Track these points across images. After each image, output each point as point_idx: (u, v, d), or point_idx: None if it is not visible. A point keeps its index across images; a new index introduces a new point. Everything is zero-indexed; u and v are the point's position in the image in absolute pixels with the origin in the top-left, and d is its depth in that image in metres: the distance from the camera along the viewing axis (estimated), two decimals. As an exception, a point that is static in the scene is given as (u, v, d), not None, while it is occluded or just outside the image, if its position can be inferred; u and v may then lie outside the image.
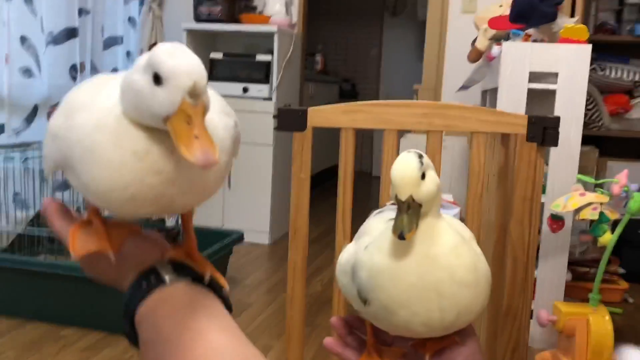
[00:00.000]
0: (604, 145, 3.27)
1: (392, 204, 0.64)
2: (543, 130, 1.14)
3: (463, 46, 2.85)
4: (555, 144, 1.15)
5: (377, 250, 0.55)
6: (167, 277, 0.49)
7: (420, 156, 0.53)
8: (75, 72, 2.68)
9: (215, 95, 0.48)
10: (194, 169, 0.42)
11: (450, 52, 3.06)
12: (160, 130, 0.42)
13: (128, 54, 3.18)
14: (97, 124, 0.43)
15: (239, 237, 2.27)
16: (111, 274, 0.52)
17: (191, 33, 3.01)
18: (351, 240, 0.64)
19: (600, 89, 3.09)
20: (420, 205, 0.52)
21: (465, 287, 0.54)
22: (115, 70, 3.08)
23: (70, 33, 2.64)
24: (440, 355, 0.60)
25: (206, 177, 0.45)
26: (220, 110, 0.48)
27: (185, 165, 0.43)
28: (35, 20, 2.46)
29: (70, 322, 1.90)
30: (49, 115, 2.58)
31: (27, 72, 2.47)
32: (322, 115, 1.18)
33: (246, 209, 2.92)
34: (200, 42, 3.12)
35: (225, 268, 2.30)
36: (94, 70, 2.85)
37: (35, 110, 2.51)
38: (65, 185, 2.46)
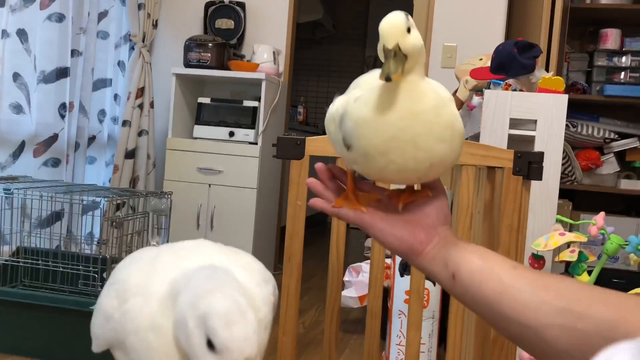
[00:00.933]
0: (577, 199, 3.39)
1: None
2: (528, 164, 1.21)
3: (443, 99, 2.98)
4: (540, 177, 1.22)
5: (364, 103, 0.59)
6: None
7: (407, 14, 0.58)
8: (64, 110, 2.71)
9: (255, 263, 0.53)
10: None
11: (430, 104, 3.18)
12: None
13: (115, 96, 3.23)
14: (152, 325, 0.48)
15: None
16: None
17: (180, 77, 3.09)
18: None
19: (572, 145, 3.22)
20: (405, 56, 0.56)
21: (440, 142, 0.58)
22: (103, 111, 3.12)
23: (62, 73, 2.69)
24: (412, 206, 0.66)
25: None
26: (261, 279, 0.54)
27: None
28: (28, 58, 2.50)
29: (48, 356, 1.85)
30: (34, 152, 2.60)
31: (17, 108, 2.49)
32: (319, 144, 1.23)
33: (228, 251, 2.92)
34: (188, 87, 3.19)
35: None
36: (82, 109, 2.89)
37: (22, 146, 2.52)
38: (46, 223, 2.45)
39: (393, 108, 0.57)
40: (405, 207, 0.66)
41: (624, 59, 3.28)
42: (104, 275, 1.96)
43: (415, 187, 0.69)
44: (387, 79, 0.55)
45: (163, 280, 0.49)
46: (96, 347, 0.54)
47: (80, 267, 1.98)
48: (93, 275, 1.94)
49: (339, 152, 0.65)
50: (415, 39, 0.57)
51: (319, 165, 0.70)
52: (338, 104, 0.65)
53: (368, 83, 0.61)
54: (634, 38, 3.30)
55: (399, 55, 0.55)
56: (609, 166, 3.33)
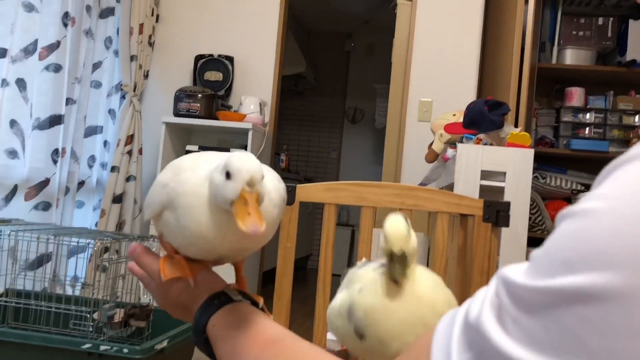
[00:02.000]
0: (547, 247, 3.53)
1: (365, 263, 0.80)
2: (497, 212, 1.35)
3: (418, 149, 3.14)
4: (507, 224, 1.35)
5: (370, 293, 0.68)
6: (235, 297, 0.64)
7: (406, 218, 0.69)
8: (56, 156, 2.80)
9: (270, 170, 0.67)
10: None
11: (406, 154, 3.35)
12: None
13: (105, 143, 3.33)
14: (196, 189, 0.62)
15: (208, 318, 2.34)
16: (185, 298, 0.67)
17: (169, 126, 3.21)
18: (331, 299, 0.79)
19: (542, 196, 3.40)
20: (407, 258, 0.67)
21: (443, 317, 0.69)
22: (93, 157, 3.22)
23: (56, 120, 2.80)
24: None
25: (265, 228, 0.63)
26: (274, 177, 0.67)
27: None
28: (26, 106, 2.61)
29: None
30: (26, 195, 2.67)
31: (12, 153, 2.58)
32: (308, 191, 1.35)
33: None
34: (176, 135, 3.31)
35: (193, 347, 2.34)
36: (73, 155, 2.98)
37: (14, 189, 2.60)
38: (33, 265, 2.51)
39: (398, 293, 0.66)
40: None
41: (587, 115, 3.51)
42: (94, 316, 2.03)
43: None
44: (395, 281, 0.66)
45: (206, 167, 0.62)
46: (149, 214, 0.66)
47: (72, 307, 2.04)
48: (85, 315, 2.00)
49: (349, 346, 0.72)
50: (414, 240, 0.68)
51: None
52: (340, 300, 0.73)
53: (366, 277, 0.71)
54: (596, 96, 3.54)
55: (403, 258, 0.66)
56: (577, 216, 3.50)
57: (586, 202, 0.37)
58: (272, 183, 0.65)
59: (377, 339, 0.67)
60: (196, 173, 0.62)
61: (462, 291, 1.39)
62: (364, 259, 0.83)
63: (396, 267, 0.66)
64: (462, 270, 1.44)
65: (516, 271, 0.38)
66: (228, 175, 0.58)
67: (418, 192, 1.34)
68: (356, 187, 1.34)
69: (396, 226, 0.67)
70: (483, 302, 0.39)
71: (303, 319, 3.34)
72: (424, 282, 0.69)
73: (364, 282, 0.70)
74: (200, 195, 0.61)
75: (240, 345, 0.58)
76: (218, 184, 0.59)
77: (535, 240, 3.25)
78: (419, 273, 0.70)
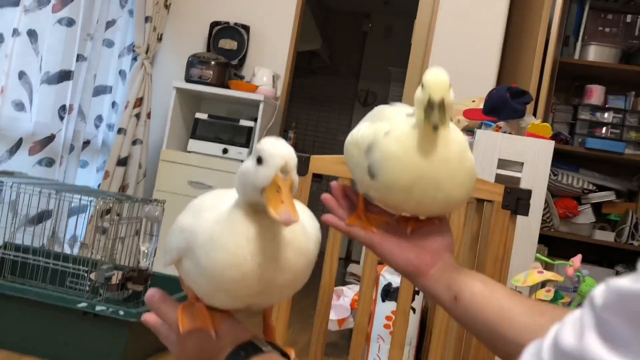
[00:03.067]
0: (552, 245, 3.49)
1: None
2: (517, 200, 1.29)
3: (433, 136, 3.08)
4: (526, 213, 1.30)
5: (396, 140, 0.63)
6: (264, 348, 0.59)
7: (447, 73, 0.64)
8: (63, 112, 2.75)
9: (302, 206, 0.61)
10: (289, 250, 0.55)
11: (419, 141, 3.28)
12: (265, 219, 0.54)
13: (114, 104, 3.28)
14: (218, 218, 0.56)
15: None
16: (208, 349, 0.61)
17: (179, 91, 3.16)
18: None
19: (552, 193, 3.35)
20: (445, 108, 0.61)
21: (460, 187, 0.65)
22: (100, 117, 3.17)
23: (65, 75, 2.74)
24: (419, 231, 0.71)
25: (298, 259, 0.57)
26: (309, 217, 0.62)
27: (283, 247, 0.55)
28: (35, 58, 2.55)
29: (31, 351, 1.86)
30: (30, 150, 2.62)
31: (19, 105, 2.53)
32: (322, 163, 1.30)
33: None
34: (186, 101, 3.26)
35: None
36: (81, 113, 2.93)
37: (19, 143, 2.55)
38: (33, 220, 2.47)
39: (424, 150, 0.63)
40: (413, 232, 0.71)
41: (606, 114, 3.44)
42: (92, 276, 1.99)
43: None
44: (435, 127, 0.61)
45: (230, 200, 0.58)
46: (168, 261, 0.61)
47: (70, 265, 2.00)
48: (83, 274, 1.96)
49: (357, 176, 0.70)
50: (452, 95, 0.63)
51: (334, 184, 0.76)
52: (364, 131, 0.69)
53: (396, 119, 0.66)
54: (616, 96, 3.47)
55: (442, 108, 0.61)
56: (585, 216, 3.45)
57: None
58: (306, 217, 0.60)
59: (386, 184, 0.64)
60: (217, 209, 0.57)
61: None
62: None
63: (436, 113, 0.60)
64: (473, 258, 1.39)
65: (622, 280, 0.33)
66: (259, 160, 0.53)
67: (437, 172, 1.29)
68: (373, 162, 1.29)
69: (439, 74, 0.62)
70: (581, 325, 0.34)
71: (301, 295, 3.32)
72: (454, 145, 0.64)
73: (393, 126, 0.65)
74: (222, 224, 0.55)
75: None
76: (249, 170, 0.54)
77: (542, 237, 3.19)
78: (451, 135, 0.64)
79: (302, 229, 0.58)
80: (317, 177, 1.32)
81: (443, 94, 0.61)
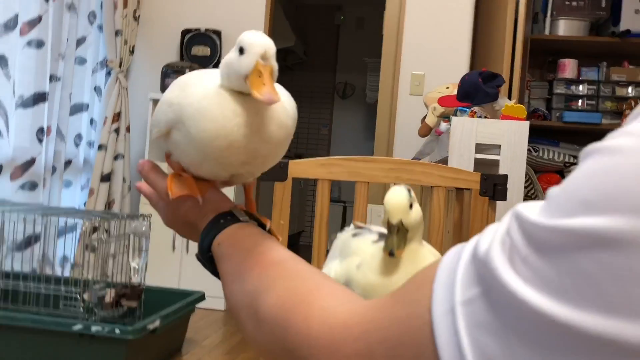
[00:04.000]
0: (540, 220, 3.53)
1: (358, 227, 0.77)
2: (494, 186, 1.32)
3: (411, 124, 3.11)
4: (504, 198, 1.32)
5: (369, 270, 0.65)
6: (241, 218, 0.63)
7: (409, 190, 0.65)
8: (42, 134, 2.74)
9: (282, 88, 0.65)
10: (272, 124, 0.59)
11: (399, 128, 3.31)
12: (249, 99, 0.58)
13: (92, 121, 3.27)
14: (204, 93, 0.60)
15: (201, 297, 2.32)
16: (192, 216, 0.66)
17: (157, 103, 3.15)
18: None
19: (534, 169, 3.38)
20: (407, 230, 0.63)
21: None
22: (79, 136, 3.16)
23: (40, 97, 2.73)
24: None
25: (279, 132, 0.61)
26: (287, 96, 0.65)
27: (266, 121, 0.60)
28: (8, 83, 2.54)
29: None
30: (12, 175, 2.61)
31: (-5, 132, 2.51)
32: (301, 167, 1.31)
33: (204, 273, 2.96)
34: (164, 112, 3.25)
35: (186, 327, 2.32)
36: (59, 134, 2.92)
37: (-1, 169, 2.54)
38: (21, 246, 2.46)
39: (400, 272, 0.64)
40: None
41: (580, 87, 3.48)
42: (85, 297, 1.99)
43: None
44: (391, 254, 0.62)
45: (212, 78, 0.61)
46: (157, 132, 0.64)
47: (62, 288, 2.01)
48: (74, 296, 1.97)
49: None
50: (416, 213, 0.65)
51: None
52: (335, 272, 0.70)
53: (364, 250, 0.68)
54: (589, 68, 3.51)
55: (402, 230, 0.63)
56: (569, 189, 3.50)
57: (613, 139, 0.33)
58: (285, 97, 0.63)
59: None
60: (203, 85, 0.61)
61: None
62: (352, 225, 0.80)
63: (394, 238, 0.63)
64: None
65: (531, 209, 0.34)
66: (241, 50, 0.57)
67: (413, 166, 1.31)
68: (350, 162, 1.31)
69: (397, 196, 0.64)
70: (493, 237, 0.36)
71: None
72: (427, 261, 0.65)
73: (362, 257, 0.67)
74: (210, 99, 0.59)
75: (243, 264, 0.58)
76: (232, 61, 0.58)
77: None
78: (423, 251, 0.67)
79: (282, 106, 0.61)
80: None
81: (401, 216, 0.63)
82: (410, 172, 1.30)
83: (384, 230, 0.66)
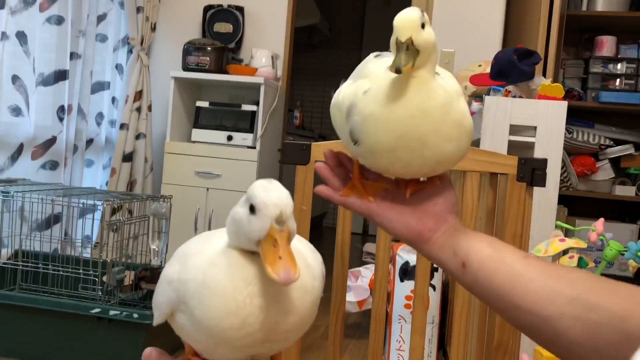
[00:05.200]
0: (572, 205, 3.41)
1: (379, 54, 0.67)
2: (532, 171, 1.22)
3: (441, 104, 3.00)
4: (543, 184, 1.23)
5: (373, 98, 0.58)
6: None
7: (422, 11, 0.57)
8: (62, 113, 2.70)
9: (303, 240, 0.56)
10: (293, 289, 0.49)
11: (427, 110, 3.19)
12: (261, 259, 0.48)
13: (113, 99, 3.23)
14: (210, 262, 0.50)
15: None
16: None
17: (178, 81, 3.09)
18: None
19: (568, 151, 3.25)
20: (417, 51, 0.55)
21: (448, 141, 0.58)
22: (100, 114, 3.12)
23: (61, 75, 2.68)
24: (420, 194, 0.65)
25: (303, 299, 0.51)
26: (311, 250, 0.55)
27: (287, 287, 0.49)
28: (28, 60, 2.50)
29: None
30: (33, 154, 2.59)
31: (16, 110, 2.48)
32: (324, 149, 1.23)
33: (225, 255, 2.92)
34: (186, 90, 3.19)
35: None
36: (80, 112, 2.88)
37: (20, 148, 2.51)
38: (42, 226, 2.44)
39: (402, 105, 0.57)
40: (413, 196, 0.66)
41: (619, 66, 3.32)
42: (104, 279, 1.96)
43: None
44: (398, 70, 0.54)
45: (217, 242, 0.53)
46: (158, 318, 0.55)
47: (80, 270, 1.98)
48: (93, 278, 1.93)
49: (344, 142, 0.64)
50: (428, 34, 0.56)
51: (327, 152, 0.70)
52: (345, 93, 0.64)
53: (376, 75, 0.60)
54: (629, 45, 3.34)
55: (411, 49, 0.55)
56: (604, 172, 3.36)
57: None
58: (308, 251, 0.54)
59: (370, 149, 0.59)
60: (204, 255, 0.51)
61: (493, 256, 1.28)
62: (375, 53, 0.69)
63: (401, 55, 0.54)
64: (491, 233, 1.33)
65: None
66: (252, 209, 0.48)
67: (445, 149, 1.22)
68: (377, 144, 1.22)
69: (408, 13, 0.56)
70: None
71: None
72: (437, 95, 0.57)
73: (372, 82, 0.59)
74: (216, 267, 0.49)
75: None
76: (241, 219, 0.48)
77: (560, 198, 3.12)
78: (434, 84, 0.58)
79: (305, 264, 0.52)
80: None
81: (411, 33, 0.55)
82: (441, 156, 1.21)
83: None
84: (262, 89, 2.97)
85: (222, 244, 0.51)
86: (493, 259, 0.60)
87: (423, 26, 0.56)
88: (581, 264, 1.66)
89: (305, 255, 0.52)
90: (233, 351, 0.51)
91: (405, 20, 0.55)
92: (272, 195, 0.48)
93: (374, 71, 0.61)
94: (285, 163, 1.23)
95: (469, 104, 2.26)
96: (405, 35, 0.55)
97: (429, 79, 0.57)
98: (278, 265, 0.45)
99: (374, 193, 0.66)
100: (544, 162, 1.23)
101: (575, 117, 3.27)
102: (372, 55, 0.65)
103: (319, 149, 1.24)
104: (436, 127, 0.58)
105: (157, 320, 0.55)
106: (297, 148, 1.22)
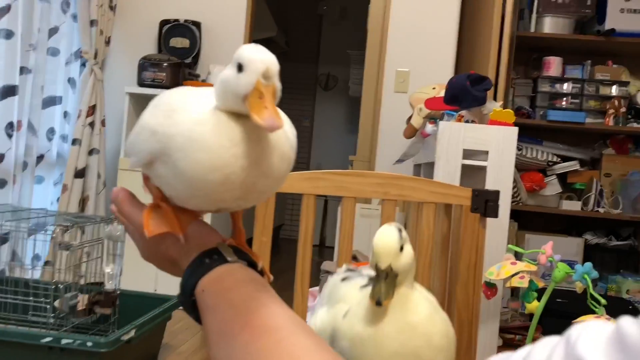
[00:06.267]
0: (521, 219, 3.52)
1: (349, 269, 0.71)
2: (485, 202, 1.27)
3: (395, 121, 3.05)
4: (496, 215, 1.27)
5: (357, 319, 0.60)
6: (229, 257, 0.55)
7: (400, 230, 0.60)
8: (11, 130, 2.62)
9: (282, 113, 0.57)
10: (274, 155, 0.51)
11: (383, 126, 3.25)
12: (248, 123, 0.50)
13: (65, 114, 3.15)
14: (197, 118, 0.51)
15: (178, 302, 2.25)
16: (173, 253, 0.59)
17: (133, 97, 3.05)
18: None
19: (518, 167, 3.35)
20: (396, 275, 0.58)
21: (439, 352, 0.60)
22: (52, 130, 3.04)
23: (10, 91, 2.61)
24: None
25: (280, 165, 0.53)
26: (289, 123, 0.58)
27: (267, 151, 0.52)
28: (-25, 76, 2.42)
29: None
30: (-21, 172, 2.50)
31: (-38, 127, 2.40)
32: (285, 182, 1.24)
33: (181, 273, 2.88)
34: (141, 106, 3.14)
35: (162, 334, 2.25)
36: (31, 128, 2.80)
37: (-34, 167, 2.42)
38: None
39: (389, 322, 0.59)
40: None
41: (565, 85, 3.45)
42: (56, 304, 1.91)
43: None
44: (378, 303, 0.57)
45: (201, 100, 0.53)
46: (137, 162, 0.56)
47: (31, 297, 1.92)
48: (44, 305, 1.88)
49: None
50: (407, 256, 0.59)
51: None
52: (322, 321, 0.65)
53: (352, 296, 0.63)
54: (574, 66, 3.48)
55: (390, 275, 0.58)
56: (552, 187, 3.48)
57: None
58: (287, 123, 0.56)
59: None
60: (190, 111, 0.52)
61: (448, 287, 1.32)
62: (344, 266, 0.74)
63: (381, 285, 0.57)
64: (445, 263, 1.37)
65: (589, 348, 0.32)
66: (240, 67, 0.49)
67: (402, 181, 1.25)
68: (337, 176, 1.24)
69: (386, 238, 0.58)
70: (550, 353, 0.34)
71: (278, 292, 3.28)
72: (421, 308, 0.60)
73: (349, 304, 0.62)
74: (204, 125, 0.51)
75: (230, 324, 0.50)
76: (229, 79, 0.50)
77: (511, 212, 3.21)
78: (415, 297, 0.61)
79: (285, 135, 0.54)
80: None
81: (390, 261, 0.58)
82: (399, 187, 1.24)
83: (374, 273, 0.60)
84: (219, 105, 2.96)
85: (209, 104, 0.53)
86: None
87: (402, 248, 0.59)
88: (532, 286, 1.72)
89: (285, 127, 0.54)
90: (207, 203, 0.53)
91: (385, 247, 0.58)
92: (259, 53, 0.50)
93: (348, 294, 0.64)
94: (245, 195, 1.23)
95: (423, 125, 2.32)
96: (385, 262, 0.58)
97: (409, 293, 0.60)
98: (264, 114, 0.47)
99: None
100: (496, 194, 1.27)
101: (525, 134, 3.37)
102: (336, 278, 0.68)
103: (279, 181, 1.25)
104: (427, 340, 0.60)
105: (134, 165, 0.57)
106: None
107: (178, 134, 0.51)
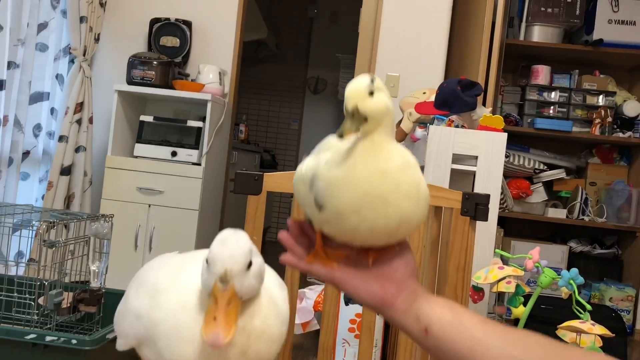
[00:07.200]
0: (507, 226, 3.55)
1: None
2: (475, 205, 1.27)
3: (386, 126, 3.05)
4: (486, 218, 1.28)
5: (335, 164, 0.62)
6: None
7: (373, 80, 0.61)
8: (-3, 124, 2.59)
9: (270, 270, 0.56)
10: (261, 342, 0.51)
11: (372, 131, 3.25)
12: None
13: (52, 110, 3.12)
14: (182, 303, 0.51)
15: (164, 302, 2.23)
16: None
17: (122, 94, 3.02)
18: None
19: (505, 174, 3.38)
20: (365, 118, 0.60)
21: (407, 199, 0.62)
22: (38, 126, 3.01)
23: (-3, 85, 2.58)
24: (381, 261, 0.68)
25: (270, 349, 0.54)
26: (279, 284, 0.56)
27: (254, 339, 0.51)
28: (-38, 69, 2.39)
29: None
30: (-36, 167, 2.47)
31: (-53, 121, 2.37)
32: (276, 180, 1.24)
33: (167, 273, 2.86)
34: (130, 104, 3.13)
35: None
36: (17, 123, 2.77)
37: (-50, 161, 2.39)
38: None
39: (362, 166, 0.61)
40: (375, 263, 0.69)
41: (552, 94, 3.49)
42: (40, 301, 1.88)
43: None
44: (340, 135, 0.59)
45: (191, 277, 0.53)
46: (123, 345, 0.56)
47: (15, 293, 1.89)
48: (29, 302, 1.86)
49: (309, 214, 0.67)
50: (378, 101, 0.60)
51: (290, 221, 0.72)
52: (307, 166, 0.67)
53: (336, 146, 0.64)
54: (562, 75, 3.52)
55: (356, 116, 0.59)
56: (538, 195, 3.51)
57: None
58: (277, 290, 0.56)
59: (335, 211, 0.62)
60: (176, 293, 0.52)
61: (436, 288, 1.32)
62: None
63: (347, 122, 0.60)
64: (434, 265, 1.37)
65: None
66: (208, 262, 0.50)
67: (394, 183, 1.25)
68: (328, 176, 1.24)
69: (355, 82, 0.60)
70: None
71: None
72: (394, 158, 0.62)
73: (332, 153, 0.64)
74: (183, 320, 0.50)
75: None
76: (203, 270, 0.51)
77: (497, 219, 3.23)
78: (390, 148, 0.62)
79: (276, 311, 0.54)
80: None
81: (357, 102, 0.59)
82: (390, 189, 1.24)
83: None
84: (209, 105, 2.95)
85: (194, 280, 0.51)
86: (454, 325, 0.64)
87: (372, 93, 0.60)
88: (518, 291, 1.73)
89: (276, 299, 0.53)
90: None
91: (352, 90, 0.60)
92: (225, 250, 0.49)
93: (333, 144, 0.65)
94: (237, 193, 1.23)
95: (413, 129, 2.33)
96: (351, 103, 0.59)
97: (383, 142, 0.61)
98: (210, 327, 0.46)
99: (337, 260, 0.69)
100: (486, 198, 1.28)
101: (513, 141, 3.40)
102: (328, 137, 0.70)
103: (271, 180, 1.25)
104: (395, 185, 0.61)
105: (121, 347, 0.57)
106: (249, 178, 1.23)
107: (162, 320, 0.51)
